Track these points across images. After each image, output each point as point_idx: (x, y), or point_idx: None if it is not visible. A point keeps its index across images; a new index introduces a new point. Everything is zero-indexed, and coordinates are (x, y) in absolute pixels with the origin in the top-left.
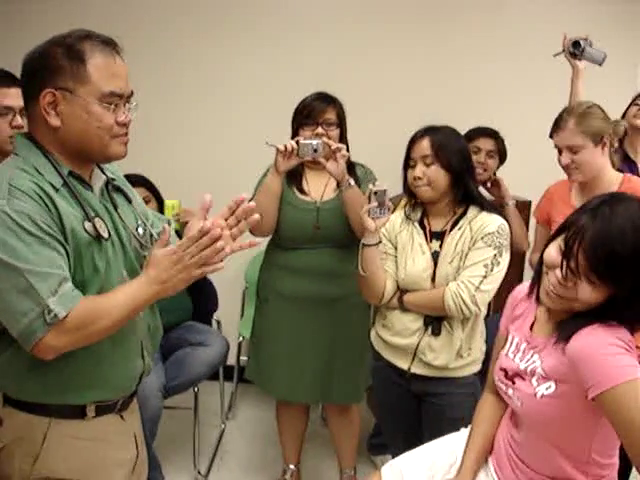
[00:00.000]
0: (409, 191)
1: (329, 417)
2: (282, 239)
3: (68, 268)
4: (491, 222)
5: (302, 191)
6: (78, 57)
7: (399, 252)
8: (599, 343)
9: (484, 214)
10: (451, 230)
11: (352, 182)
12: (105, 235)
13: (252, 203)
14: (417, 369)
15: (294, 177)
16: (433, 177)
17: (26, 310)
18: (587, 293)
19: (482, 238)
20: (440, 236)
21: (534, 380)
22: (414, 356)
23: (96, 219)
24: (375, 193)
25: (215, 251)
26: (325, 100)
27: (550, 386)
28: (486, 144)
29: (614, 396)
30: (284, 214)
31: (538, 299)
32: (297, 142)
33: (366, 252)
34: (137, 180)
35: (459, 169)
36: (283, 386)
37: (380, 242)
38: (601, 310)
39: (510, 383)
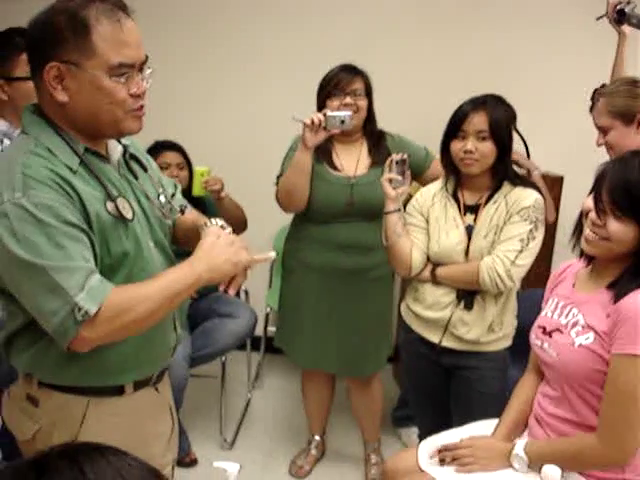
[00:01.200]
0: (448, 162)
1: (351, 390)
2: (313, 213)
3: (94, 257)
4: (527, 196)
5: (334, 166)
6: (82, 26)
7: (431, 225)
8: None
9: (519, 188)
10: (486, 204)
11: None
12: (129, 216)
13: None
14: (448, 342)
15: (325, 152)
16: (485, 153)
17: (56, 309)
18: (615, 227)
19: (518, 212)
20: (474, 210)
21: (573, 332)
22: (445, 329)
23: (119, 199)
24: (396, 162)
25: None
26: (352, 71)
27: (589, 337)
28: None
29: (633, 363)
30: (317, 190)
31: (581, 255)
32: (324, 114)
33: (387, 220)
34: (171, 146)
35: (508, 146)
36: (307, 354)
37: (399, 210)
38: None
39: (547, 337)
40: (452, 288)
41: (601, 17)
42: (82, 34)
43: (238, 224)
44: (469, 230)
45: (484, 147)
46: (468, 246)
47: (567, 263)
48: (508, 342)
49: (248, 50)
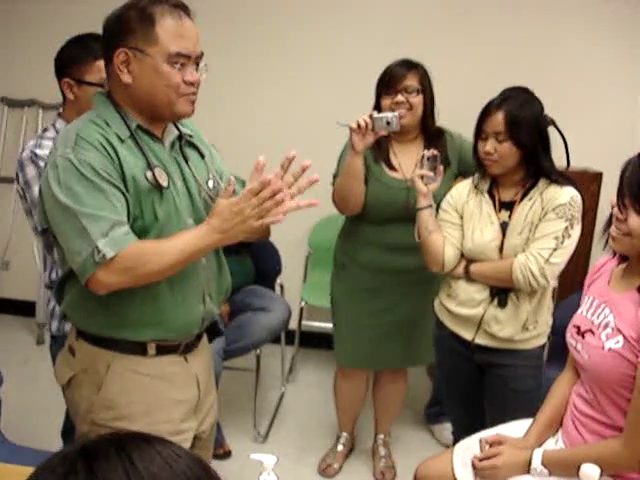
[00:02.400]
0: (479, 161)
1: (379, 381)
2: (369, 214)
3: (127, 213)
4: (563, 193)
5: (391, 166)
6: (149, 20)
7: (465, 221)
8: None
9: (555, 185)
10: (521, 200)
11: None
12: (164, 184)
13: (315, 175)
14: (481, 340)
15: (381, 151)
16: (504, 154)
17: (80, 249)
18: (636, 222)
19: (553, 209)
20: (509, 206)
21: (603, 334)
22: (479, 327)
23: (157, 169)
24: (428, 159)
25: (275, 203)
26: (405, 66)
27: (618, 341)
28: None
29: None
30: (373, 192)
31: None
32: (370, 116)
33: (419, 216)
34: None
35: (532, 146)
36: (351, 353)
37: (431, 206)
38: None
39: (580, 338)
40: (486, 285)
41: None
42: (148, 25)
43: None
44: (504, 227)
45: (503, 148)
46: (502, 243)
47: (605, 259)
48: (543, 340)
49: (295, 51)
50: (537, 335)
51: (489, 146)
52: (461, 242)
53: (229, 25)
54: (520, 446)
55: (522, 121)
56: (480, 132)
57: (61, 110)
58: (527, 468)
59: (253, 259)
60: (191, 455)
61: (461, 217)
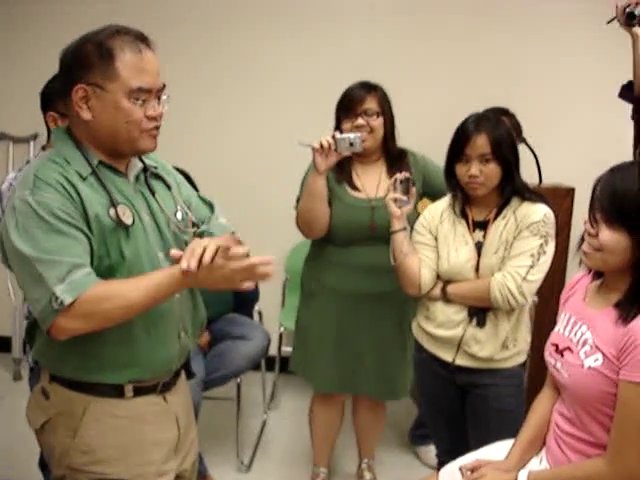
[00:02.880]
0: (455, 184)
1: (357, 409)
2: (334, 236)
3: (90, 254)
4: (536, 211)
5: (354, 187)
6: (108, 54)
7: (440, 243)
8: None
9: (528, 203)
10: (495, 219)
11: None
12: (128, 222)
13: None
14: (462, 361)
15: (344, 172)
16: (490, 175)
17: (38, 297)
18: (607, 237)
19: (528, 227)
20: (483, 226)
21: (582, 352)
22: (458, 348)
23: (120, 206)
24: (401, 182)
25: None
26: (364, 88)
27: (597, 359)
28: None
29: None
30: (337, 213)
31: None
32: (333, 137)
33: (394, 239)
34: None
35: (512, 163)
36: (326, 378)
37: (405, 228)
38: None
39: (559, 357)
40: (464, 306)
41: (611, 21)
42: (107, 60)
43: None
44: (479, 247)
45: (488, 170)
46: (478, 263)
47: (580, 275)
48: (523, 358)
49: (260, 74)
50: (517, 353)
51: (474, 169)
52: (437, 263)
53: (190, 52)
54: (503, 468)
55: (503, 140)
56: (460, 156)
57: (46, 144)
58: None
59: None
60: None
61: (435, 238)
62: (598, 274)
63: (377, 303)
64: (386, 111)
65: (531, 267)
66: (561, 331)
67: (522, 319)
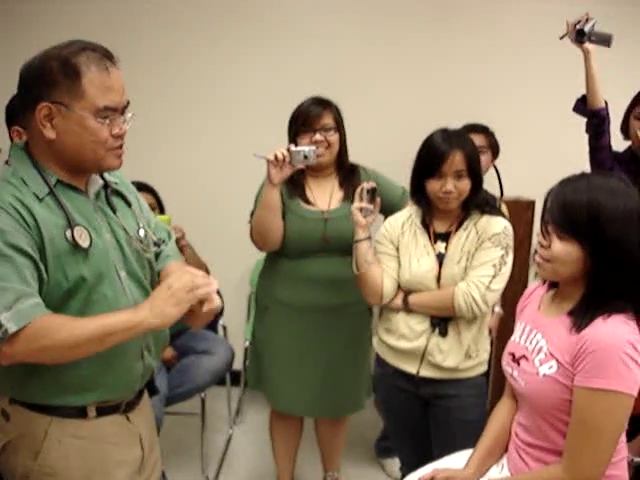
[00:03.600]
0: (421, 198)
1: (319, 426)
2: (287, 248)
3: (39, 282)
4: (496, 223)
5: (307, 201)
6: (73, 72)
7: (401, 253)
8: (618, 340)
9: (487, 216)
10: (457, 231)
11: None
12: (84, 245)
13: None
14: (426, 372)
15: (297, 186)
16: (464, 190)
17: None
18: (558, 248)
19: (489, 238)
20: (445, 238)
21: (537, 360)
22: (422, 359)
23: (76, 228)
24: (368, 191)
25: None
26: (320, 105)
27: (552, 366)
28: (475, 140)
29: (601, 397)
30: (290, 225)
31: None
32: (288, 149)
33: (357, 248)
34: (143, 187)
35: (481, 177)
36: (280, 398)
37: (369, 238)
38: (601, 291)
39: (516, 365)
40: (425, 316)
41: (563, 36)
42: (73, 78)
43: None
44: (440, 258)
45: (462, 185)
46: (439, 273)
47: (534, 285)
48: (484, 367)
49: (217, 85)
50: (479, 363)
51: (450, 185)
52: (398, 273)
53: (154, 66)
54: (460, 477)
55: (475, 156)
56: (434, 173)
57: (8, 159)
58: None
59: None
60: None
61: (397, 249)
62: (553, 284)
63: (332, 316)
64: (340, 126)
65: (494, 277)
66: (517, 340)
67: (482, 329)
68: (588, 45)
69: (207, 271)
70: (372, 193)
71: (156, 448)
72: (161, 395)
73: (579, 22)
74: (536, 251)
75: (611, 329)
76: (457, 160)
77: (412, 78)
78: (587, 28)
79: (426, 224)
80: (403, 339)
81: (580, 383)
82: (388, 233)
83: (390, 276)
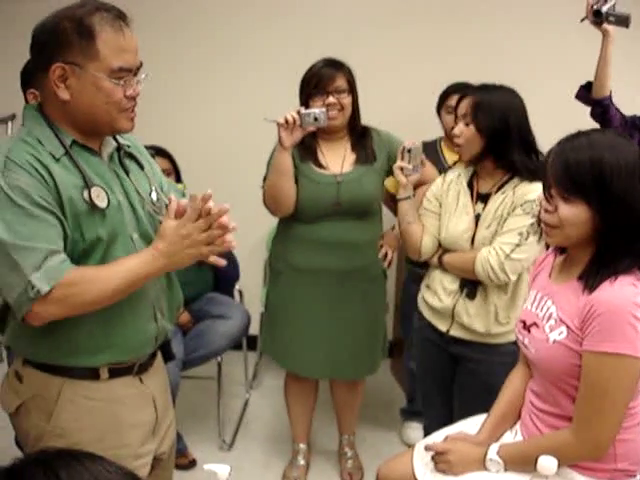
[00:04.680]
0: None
1: (335, 389)
2: (301, 213)
3: (64, 238)
4: (533, 190)
5: (319, 164)
6: (88, 33)
7: (443, 211)
8: (625, 302)
9: (527, 182)
10: (496, 193)
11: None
12: (102, 205)
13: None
14: (456, 332)
15: (309, 150)
16: (468, 138)
17: (14, 285)
18: (566, 211)
19: (521, 205)
20: (485, 199)
21: (547, 327)
22: (452, 318)
23: (93, 188)
24: (408, 150)
25: (221, 226)
26: (333, 66)
27: (562, 332)
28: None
29: (609, 361)
30: (303, 189)
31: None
32: (298, 112)
33: (399, 206)
34: (159, 151)
35: (494, 134)
36: (296, 360)
37: (410, 197)
38: (611, 248)
39: (527, 333)
40: (457, 277)
41: (584, 19)
42: (87, 39)
43: None
44: (477, 218)
45: (467, 132)
46: (474, 234)
47: (546, 253)
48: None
49: (232, 50)
50: (511, 330)
51: (457, 129)
52: (439, 231)
53: (173, 32)
54: (473, 441)
55: (486, 107)
56: (455, 116)
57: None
58: (482, 461)
59: (211, 267)
60: (123, 469)
61: (440, 205)
62: (561, 249)
63: (345, 280)
64: (354, 89)
65: (517, 245)
66: (528, 307)
67: (517, 297)
68: (607, 26)
69: None
70: (415, 152)
71: (170, 412)
72: (177, 360)
73: (597, 3)
74: (540, 219)
75: (618, 291)
76: (465, 103)
77: (425, 38)
78: (605, 8)
79: (471, 184)
80: (436, 297)
81: (588, 347)
82: (436, 189)
83: (431, 234)
